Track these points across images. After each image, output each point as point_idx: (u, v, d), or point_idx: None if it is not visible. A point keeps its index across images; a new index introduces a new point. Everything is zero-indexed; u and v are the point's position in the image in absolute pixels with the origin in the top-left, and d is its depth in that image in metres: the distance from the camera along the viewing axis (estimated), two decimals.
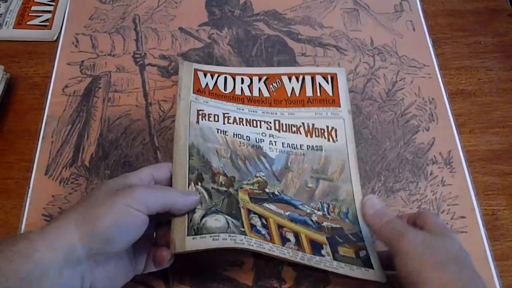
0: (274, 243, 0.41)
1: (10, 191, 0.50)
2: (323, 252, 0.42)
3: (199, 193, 0.42)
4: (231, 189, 0.44)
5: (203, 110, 0.50)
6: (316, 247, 0.42)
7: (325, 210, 0.46)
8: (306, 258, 0.41)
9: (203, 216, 0.41)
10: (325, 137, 0.50)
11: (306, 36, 0.61)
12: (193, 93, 0.51)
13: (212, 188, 0.43)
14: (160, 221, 0.41)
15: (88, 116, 0.54)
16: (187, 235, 0.39)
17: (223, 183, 0.44)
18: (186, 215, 0.40)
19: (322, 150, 0.50)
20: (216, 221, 0.41)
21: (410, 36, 0.62)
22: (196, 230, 0.40)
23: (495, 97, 0.57)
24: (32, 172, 0.50)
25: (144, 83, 0.57)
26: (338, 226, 0.45)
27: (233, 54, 0.59)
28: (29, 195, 0.49)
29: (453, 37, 0.62)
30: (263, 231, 0.42)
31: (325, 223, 0.44)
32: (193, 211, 0.41)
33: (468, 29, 0.63)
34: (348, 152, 0.49)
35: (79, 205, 0.35)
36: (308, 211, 0.45)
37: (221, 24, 0.62)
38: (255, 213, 0.43)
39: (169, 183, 0.42)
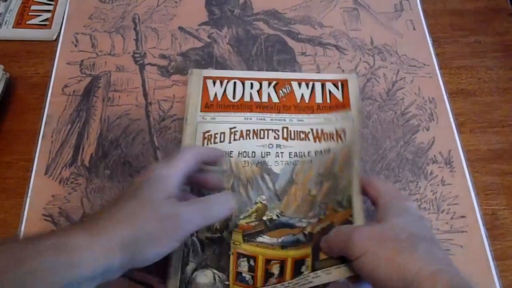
0: (256, 286, 0.42)
1: (10, 190, 0.50)
2: (303, 268, 0.42)
3: (192, 245, 0.44)
4: (224, 233, 0.45)
5: (209, 132, 0.50)
6: (298, 266, 0.43)
7: (322, 212, 0.46)
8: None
9: (194, 270, 0.43)
10: (333, 139, 0.50)
11: (306, 36, 0.61)
12: (201, 111, 0.52)
13: (206, 238, 0.45)
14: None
15: (88, 115, 0.54)
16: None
17: (217, 227, 0.45)
18: (180, 267, 0.43)
19: (330, 152, 0.49)
20: (205, 276, 0.43)
21: (410, 36, 0.61)
22: (187, 283, 0.43)
23: (495, 97, 0.57)
24: (31, 171, 0.50)
25: (144, 82, 0.57)
26: (328, 223, 0.44)
27: (233, 54, 0.59)
28: (28, 195, 0.49)
29: (453, 37, 0.62)
30: (247, 277, 0.43)
31: (316, 229, 0.44)
32: (186, 263, 0.43)
33: (468, 28, 0.63)
34: (354, 143, 0.49)
35: (125, 220, 0.35)
36: (304, 225, 0.45)
37: (221, 23, 0.62)
38: (244, 256, 0.44)
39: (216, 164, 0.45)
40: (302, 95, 0.54)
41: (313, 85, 0.54)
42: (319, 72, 0.58)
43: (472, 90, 0.58)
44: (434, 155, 0.52)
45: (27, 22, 0.62)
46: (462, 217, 0.49)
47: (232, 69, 0.57)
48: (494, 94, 0.58)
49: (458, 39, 0.62)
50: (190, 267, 0.43)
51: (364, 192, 0.43)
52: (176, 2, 0.64)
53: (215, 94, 0.53)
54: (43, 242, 0.32)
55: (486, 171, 0.52)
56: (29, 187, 0.49)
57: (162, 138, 0.53)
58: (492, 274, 0.46)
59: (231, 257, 0.43)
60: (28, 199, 0.49)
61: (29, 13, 0.63)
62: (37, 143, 0.52)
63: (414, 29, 0.62)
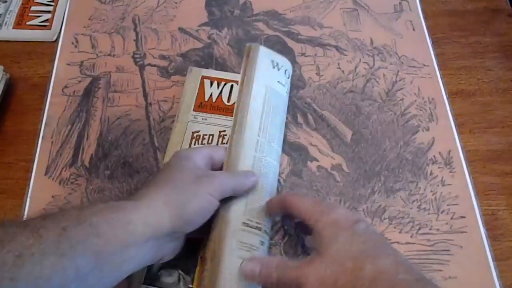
0: None
1: (10, 191, 0.50)
2: None
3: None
4: None
5: (198, 132, 0.51)
6: None
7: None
8: None
9: (161, 268, 0.44)
10: None
11: (306, 36, 0.61)
12: (193, 110, 0.52)
13: None
14: None
15: (88, 116, 0.54)
16: (142, 283, 0.43)
17: None
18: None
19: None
20: (169, 276, 0.44)
21: (410, 36, 0.62)
22: (151, 280, 0.43)
23: (495, 97, 0.57)
24: (31, 172, 0.50)
25: (144, 83, 0.57)
26: None
27: (233, 54, 0.59)
28: (29, 195, 0.49)
29: (453, 37, 0.62)
30: None
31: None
32: None
33: (468, 29, 0.63)
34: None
35: (165, 186, 0.38)
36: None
37: (220, 24, 0.62)
38: None
39: (222, 166, 0.45)
40: None
41: None
42: (318, 73, 0.58)
43: (471, 91, 0.58)
44: (434, 156, 0.52)
45: (27, 23, 0.62)
46: (462, 217, 0.49)
47: (233, 70, 0.57)
48: (494, 94, 0.58)
49: (457, 40, 0.62)
50: (156, 264, 0.44)
51: (285, 212, 0.43)
52: (176, 3, 0.64)
53: (211, 95, 0.53)
54: (95, 207, 0.35)
55: (486, 171, 0.52)
56: (29, 188, 0.49)
57: (162, 139, 0.53)
58: (492, 274, 0.46)
59: (199, 260, 0.43)
60: (28, 199, 0.49)
61: (29, 14, 0.63)
62: (37, 143, 0.52)
63: (413, 29, 0.62)
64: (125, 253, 0.34)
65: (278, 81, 0.50)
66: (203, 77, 0.54)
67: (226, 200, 0.41)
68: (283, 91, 0.51)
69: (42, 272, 0.30)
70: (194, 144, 0.51)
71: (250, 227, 0.41)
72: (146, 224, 0.35)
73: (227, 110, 0.52)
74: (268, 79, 0.49)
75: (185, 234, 0.40)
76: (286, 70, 0.52)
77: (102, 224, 0.33)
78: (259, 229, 0.42)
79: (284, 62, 0.52)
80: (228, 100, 0.53)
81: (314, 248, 0.38)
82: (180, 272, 0.44)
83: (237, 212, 0.42)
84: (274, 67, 0.50)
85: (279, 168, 0.49)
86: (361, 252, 0.35)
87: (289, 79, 0.53)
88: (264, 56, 0.50)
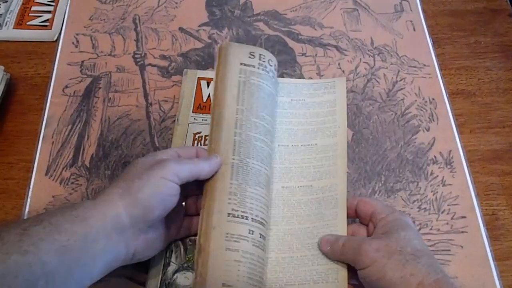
0: None
1: (11, 191, 0.50)
2: None
3: (175, 246, 0.45)
4: None
5: (200, 133, 0.51)
6: None
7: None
8: None
9: (176, 271, 0.44)
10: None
11: (306, 36, 0.61)
12: (193, 112, 0.52)
13: (189, 240, 0.45)
14: (188, 193, 0.45)
15: (89, 116, 0.54)
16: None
17: None
18: (161, 268, 0.43)
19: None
20: (185, 278, 0.44)
21: (410, 36, 0.62)
22: (167, 285, 0.43)
23: (495, 97, 0.57)
24: (32, 172, 0.50)
25: (145, 83, 0.57)
26: None
27: None
28: (29, 195, 0.49)
29: (453, 37, 0.62)
30: None
31: None
32: (168, 264, 0.44)
33: (468, 29, 0.63)
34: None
35: (119, 180, 0.39)
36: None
37: (221, 24, 0.62)
38: None
39: None
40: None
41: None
42: (319, 73, 0.58)
43: (472, 91, 0.58)
44: (435, 156, 0.52)
45: (27, 23, 0.62)
46: (463, 217, 0.49)
47: None
48: (494, 94, 0.58)
49: (458, 40, 0.62)
50: (171, 268, 0.44)
51: (352, 209, 0.45)
52: (176, 3, 0.64)
53: (208, 95, 0.53)
54: (53, 209, 0.36)
55: (486, 171, 0.52)
56: (29, 188, 0.49)
57: (163, 139, 0.53)
58: (492, 274, 0.46)
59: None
60: (29, 199, 0.49)
61: (30, 14, 0.63)
62: (38, 143, 0.52)
63: (414, 29, 0.62)
64: (90, 248, 0.35)
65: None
66: (199, 79, 0.55)
67: (209, 191, 0.42)
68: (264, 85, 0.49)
69: (8, 269, 0.30)
70: (197, 145, 0.51)
71: (236, 216, 0.41)
72: (104, 217, 0.36)
73: None
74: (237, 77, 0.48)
75: (162, 225, 0.41)
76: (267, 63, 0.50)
77: (61, 221, 0.34)
78: (246, 218, 0.41)
79: (267, 55, 0.51)
80: None
81: (381, 233, 0.41)
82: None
83: (220, 203, 0.41)
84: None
85: (271, 157, 0.47)
86: (421, 245, 0.40)
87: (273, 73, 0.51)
88: (235, 56, 0.48)
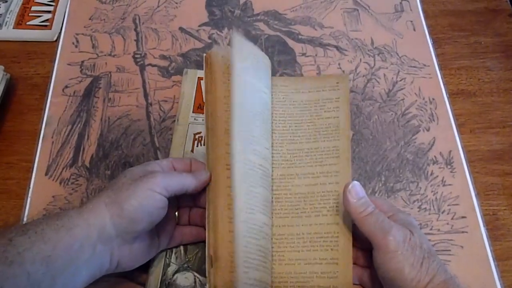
0: None
1: (11, 191, 0.50)
2: None
3: (175, 247, 0.45)
4: None
5: (200, 133, 0.51)
6: None
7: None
8: None
9: (176, 272, 0.44)
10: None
11: (307, 36, 0.61)
12: (193, 112, 0.52)
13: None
14: (181, 204, 0.45)
15: (88, 116, 0.54)
16: None
17: None
18: (162, 268, 0.44)
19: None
20: (185, 279, 0.44)
21: (410, 36, 0.62)
22: (167, 285, 0.43)
23: (495, 97, 0.57)
24: (32, 172, 0.50)
25: (145, 83, 0.57)
26: None
27: None
28: (29, 195, 0.49)
29: (453, 37, 0.62)
30: None
31: None
32: (168, 264, 0.44)
33: (468, 29, 0.63)
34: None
35: (108, 189, 0.39)
36: None
37: (221, 24, 0.62)
38: None
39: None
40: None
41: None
42: (319, 73, 0.58)
43: (472, 91, 0.58)
44: (435, 156, 0.52)
45: (27, 23, 0.62)
46: (463, 217, 0.49)
47: None
48: (494, 94, 0.58)
49: (458, 40, 0.62)
50: (171, 268, 0.44)
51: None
52: (176, 3, 0.64)
53: None
54: (39, 218, 0.36)
55: (487, 171, 0.52)
56: (29, 188, 0.49)
57: (163, 139, 0.53)
58: (493, 274, 0.46)
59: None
60: (29, 199, 0.49)
61: (30, 14, 0.63)
62: (38, 143, 0.52)
63: (414, 29, 0.62)
64: (75, 258, 0.35)
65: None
66: (200, 78, 0.54)
67: (212, 196, 0.42)
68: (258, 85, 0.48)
69: None
70: (197, 146, 0.50)
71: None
72: (89, 226, 0.36)
73: None
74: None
75: (151, 235, 0.41)
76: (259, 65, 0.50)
77: (47, 230, 0.34)
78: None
79: (258, 56, 0.50)
80: None
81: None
82: (195, 274, 0.44)
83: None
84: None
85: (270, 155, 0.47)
86: (431, 245, 0.40)
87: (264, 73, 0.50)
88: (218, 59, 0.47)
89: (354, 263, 0.43)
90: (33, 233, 0.33)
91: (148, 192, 0.38)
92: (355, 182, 0.41)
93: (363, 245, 0.42)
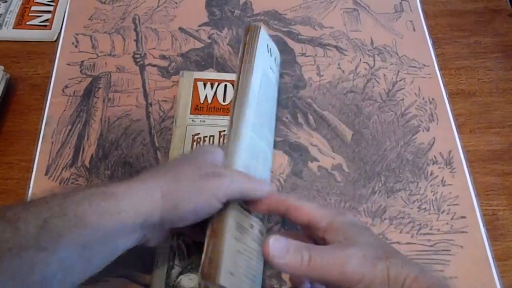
0: None
1: (10, 191, 0.50)
2: None
3: (178, 249, 0.45)
4: None
5: (198, 134, 0.51)
6: None
7: None
8: None
9: (180, 274, 0.44)
10: None
11: (306, 36, 0.61)
12: (190, 113, 0.52)
13: (193, 241, 0.45)
14: None
15: (88, 116, 0.54)
16: None
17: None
18: (165, 270, 0.44)
19: None
20: (190, 280, 0.43)
21: (410, 36, 0.62)
22: (171, 287, 0.43)
23: (495, 97, 0.57)
24: (32, 172, 0.50)
25: (144, 83, 0.57)
26: None
27: (233, 54, 0.59)
28: (29, 195, 0.49)
29: (453, 37, 0.62)
30: None
31: None
32: (172, 267, 0.44)
33: (468, 29, 0.63)
34: None
35: (168, 175, 0.36)
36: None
37: (221, 24, 0.62)
38: None
39: None
40: None
41: None
42: (319, 74, 0.58)
43: (472, 91, 0.58)
44: (434, 156, 0.52)
45: (27, 23, 0.62)
46: (463, 217, 0.49)
47: (233, 70, 0.57)
48: (494, 94, 0.58)
49: (458, 40, 0.62)
50: (175, 271, 0.44)
51: (286, 216, 0.38)
52: (176, 3, 0.64)
53: (206, 97, 0.53)
54: (81, 193, 0.32)
55: (486, 171, 0.52)
56: (29, 188, 0.49)
57: (163, 139, 0.53)
58: (492, 274, 0.46)
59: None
60: (29, 199, 0.49)
61: (30, 14, 0.63)
62: (38, 144, 0.52)
63: (414, 30, 0.62)
64: (112, 242, 0.33)
65: (270, 67, 0.49)
66: (196, 80, 0.55)
67: None
68: (273, 78, 0.51)
69: (21, 266, 0.28)
70: (196, 146, 0.51)
71: (244, 208, 0.40)
72: (137, 212, 0.33)
73: (223, 110, 0.53)
74: (263, 63, 0.47)
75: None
76: (275, 57, 0.52)
77: (88, 213, 0.31)
78: (249, 211, 0.41)
79: (274, 49, 0.52)
80: (224, 100, 0.53)
81: (336, 241, 0.34)
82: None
83: None
84: (268, 52, 0.49)
85: (271, 157, 0.48)
86: (382, 242, 0.36)
87: (278, 68, 0.52)
88: (263, 39, 0.47)
89: None
90: (73, 216, 0.31)
91: (211, 200, 0.35)
92: (269, 239, 0.33)
93: None
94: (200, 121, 0.52)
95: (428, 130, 0.54)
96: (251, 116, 0.43)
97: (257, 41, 0.46)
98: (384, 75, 0.58)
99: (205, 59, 0.58)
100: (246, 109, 0.42)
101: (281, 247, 0.32)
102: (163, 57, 0.59)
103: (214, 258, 0.36)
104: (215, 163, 0.39)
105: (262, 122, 0.46)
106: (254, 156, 0.43)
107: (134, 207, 0.33)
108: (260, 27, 0.47)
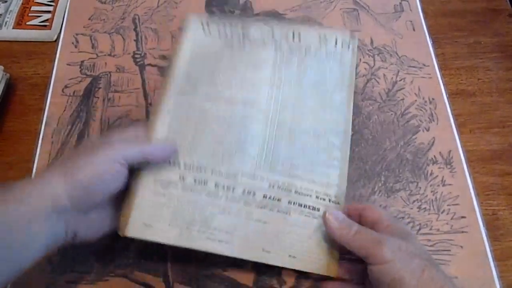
0: None
1: None
2: None
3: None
4: None
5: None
6: None
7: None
8: None
9: None
10: None
11: None
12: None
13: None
14: None
15: (88, 116, 0.54)
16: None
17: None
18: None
19: None
20: None
21: (410, 36, 0.62)
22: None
23: (495, 97, 0.57)
24: (32, 172, 0.50)
25: (144, 83, 0.57)
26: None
27: None
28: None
29: (453, 37, 0.62)
30: None
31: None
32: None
33: (468, 29, 0.63)
34: None
35: (65, 156, 0.38)
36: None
37: None
38: None
39: None
40: None
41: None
42: None
43: (472, 91, 0.58)
44: (434, 156, 0.52)
45: (27, 23, 0.62)
46: (462, 217, 0.49)
47: None
48: (494, 94, 0.58)
49: (458, 40, 0.62)
50: None
51: (356, 214, 0.42)
52: (176, 3, 0.64)
53: None
54: None
55: (486, 171, 0.52)
56: None
57: None
58: (492, 274, 0.46)
59: None
60: None
61: (29, 14, 0.63)
62: (37, 144, 0.52)
63: (414, 29, 0.62)
64: (27, 229, 0.33)
65: (210, 39, 0.51)
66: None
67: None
68: (216, 44, 0.51)
69: None
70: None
71: (166, 166, 0.42)
72: (42, 196, 0.34)
73: None
74: (197, 39, 0.50)
75: (111, 206, 0.39)
76: (218, 28, 0.52)
77: None
78: (177, 164, 0.43)
79: (216, 21, 0.52)
80: None
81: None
82: None
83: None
84: (204, 29, 0.51)
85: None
86: (430, 256, 0.39)
87: (226, 31, 0.52)
88: (193, 23, 0.51)
89: (349, 281, 0.42)
90: None
91: (105, 160, 0.36)
92: (334, 210, 0.41)
93: (355, 264, 0.41)
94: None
95: (428, 130, 0.54)
96: (176, 84, 0.47)
97: (185, 26, 0.50)
98: (384, 75, 0.58)
99: None
100: (169, 79, 0.47)
101: (339, 216, 0.40)
102: (163, 57, 0.59)
103: (124, 213, 0.40)
104: (105, 138, 0.40)
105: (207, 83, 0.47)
106: (191, 115, 0.45)
107: (38, 191, 0.34)
108: (189, 17, 0.51)
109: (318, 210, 0.43)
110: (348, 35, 0.51)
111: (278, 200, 0.43)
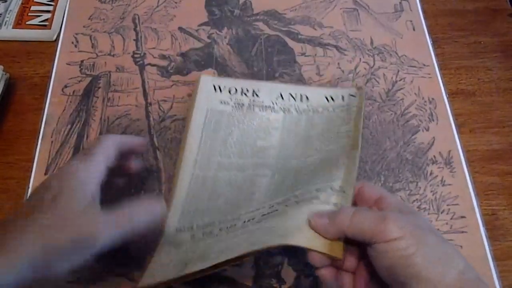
0: None
1: (10, 191, 0.50)
2: None
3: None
4: None
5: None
6: None
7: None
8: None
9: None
10: None
11: (306, 36, 0.61)
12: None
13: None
14: None
15: (88, 116, 0.54)
16: None
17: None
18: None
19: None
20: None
21: (410, 36, 0.62)
22: None
23: (495, 97, 0.57)
24: (32, 172, 0.50)
25: (144, 83, 0.57)
26: None
27: (233, 54, 0.59)
28: (29, 195, 0.49)
29: (453, 37, 0.62)
30: None
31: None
32: None
33: (468, 29, 0.63)
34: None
35: (38, 240, 0.32)
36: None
37: (220, 24, 0.62)
38: None
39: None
40: None
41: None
42: (318, 73, 0.58)
43: (471, 91, 0.58)
44: (434, 156, 0.52)
45: (27, 23, 0.62)
46: (462, 217, 0.49)
47: (233, 70, 0.57)
48: (494, 94, 0.58)
49: (457, 40, 0.62)
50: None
51: (360, 193, 0.38)
52: (176, 3, 0.64)
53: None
54: None
55: (486, 171, 0.52)
56: (29, 188, 0.49)
57: (162, 139, 0.53)
58: (492, 274, 0.46)
59: None
60: None
61: (29, 14, 0.63)
62: (37, 143, 0.52)
63: (414, 29, 0.62)
64: None
65: (221, 101, 0.52)
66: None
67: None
68: (227, 107, 0.51)
69: None
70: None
71: (181, 231, 0.44)
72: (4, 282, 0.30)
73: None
74: (209, 102, 0.51)
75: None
76: (229, 89, 0.53)
77: None
78: (191, 228, 0.44)
79: (227, 82, 0.53)
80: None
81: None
82: None
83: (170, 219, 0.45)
84: (216, 91, 0.52)
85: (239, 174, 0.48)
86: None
87: (237, 94, 0.52)
88: (204, 83, 0.52)
89: (345, 270, 0.37)
90: None
91: (86, 259, 0.34)
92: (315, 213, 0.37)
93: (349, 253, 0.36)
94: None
95: (427, 130, 0.54)
96: (191, 156, 0.48)
97: (197, 90, 0.51)
98: (384, 74, 0.58)
99: (205, 59, 0.58)
100: (184, 154, 0.48)
101: (323, 212, 0.36)
102: (162, 56, 0.59)
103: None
104: (90, 197, 0.36)
105: (213, 151, 0.49)
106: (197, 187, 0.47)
107: (3, 275, 0.30)
108: (200, 78, 0.53)
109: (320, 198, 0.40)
110: (354, 90, 0.51)
111: (276, 210, 0.42)
